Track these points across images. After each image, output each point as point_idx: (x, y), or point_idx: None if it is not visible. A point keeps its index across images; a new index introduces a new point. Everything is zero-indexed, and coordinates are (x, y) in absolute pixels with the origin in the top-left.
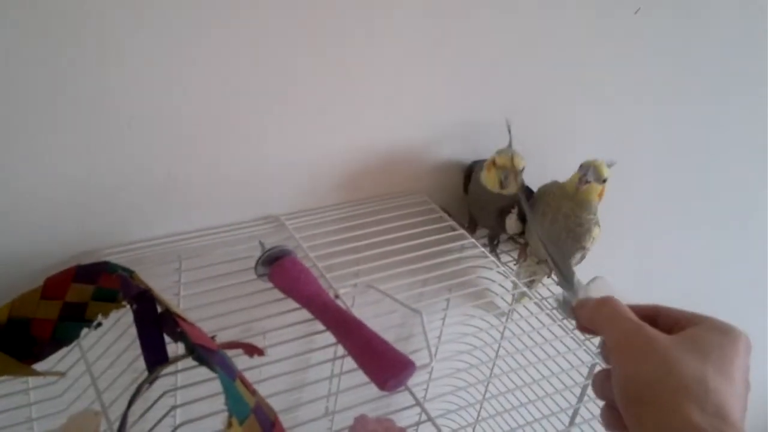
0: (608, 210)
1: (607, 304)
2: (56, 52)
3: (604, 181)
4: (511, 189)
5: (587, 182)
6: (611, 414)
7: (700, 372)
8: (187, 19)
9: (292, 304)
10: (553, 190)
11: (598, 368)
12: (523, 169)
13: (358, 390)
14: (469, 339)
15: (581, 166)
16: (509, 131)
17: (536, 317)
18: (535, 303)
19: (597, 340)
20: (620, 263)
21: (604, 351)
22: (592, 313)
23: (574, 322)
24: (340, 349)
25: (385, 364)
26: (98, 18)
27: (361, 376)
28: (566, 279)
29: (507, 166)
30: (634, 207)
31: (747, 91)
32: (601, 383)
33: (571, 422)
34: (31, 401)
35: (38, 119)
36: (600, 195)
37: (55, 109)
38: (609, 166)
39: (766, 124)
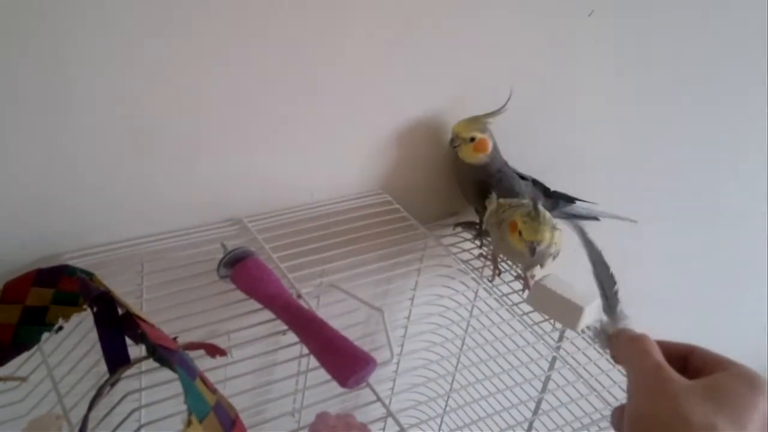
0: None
1: (637, 340)
2: (13, 55)
3: (472, 139)
4: (470, 158)
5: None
6: None
7: (710, 420)
8: (148, 22)
9: (256, 304)
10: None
11: (558, 363)
12: (473, 139)
13: (323, 387)
14: (432, 336)
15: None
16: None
17: (497, 312)
18: (495, 299)
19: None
20: None
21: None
22: (622, 347)
23: (608, 351)
24: (305, 348)
25: (345, 362)
26: (52, 18)
27: (326, 374)
28: (609, 305)
29: (459, 133)
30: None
31: (704, 89)
32: (620, 418)
33: (536, 411)
34: None
35: None
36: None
37: (12, 113)
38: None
39: (727, 120)
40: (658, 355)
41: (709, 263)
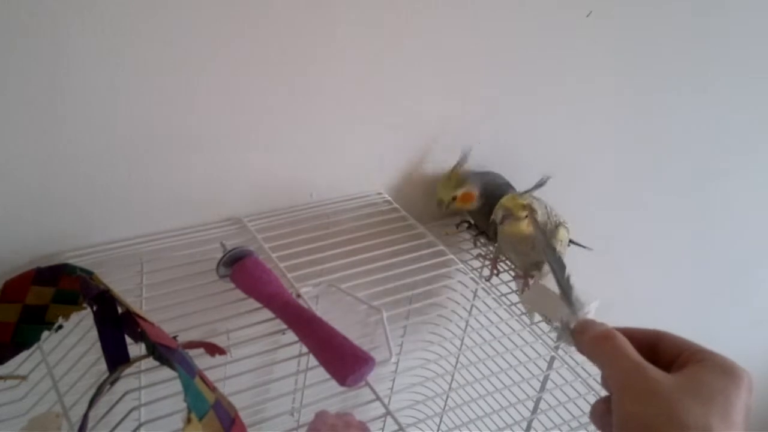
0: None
1: (608, 339)
2: (12, 54)
3: (526, 217)
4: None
5: (502, 223)
6: None
7: (704, 420)
8: (148, 21)
9: (255, 303)
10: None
11: (556, 362)
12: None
13: (322, 386)
14: (430, 336)
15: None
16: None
17: (495, 312)
18: (494, 299)
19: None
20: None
21: (604, 382)
22: (593, 346)
23: (572, 347)
24: (305, 347)
25: (344, 361)
26: (51, 17)
27: (325, 373)
28: (565, 294)
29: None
30: (596, 210)
31: (701, 89)
32: (601, 413)
33: (534, 410)
34: None
35: None
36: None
37: (11, 112)
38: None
39: (724, 119)
40: (634, 353)
41: (701, 259)
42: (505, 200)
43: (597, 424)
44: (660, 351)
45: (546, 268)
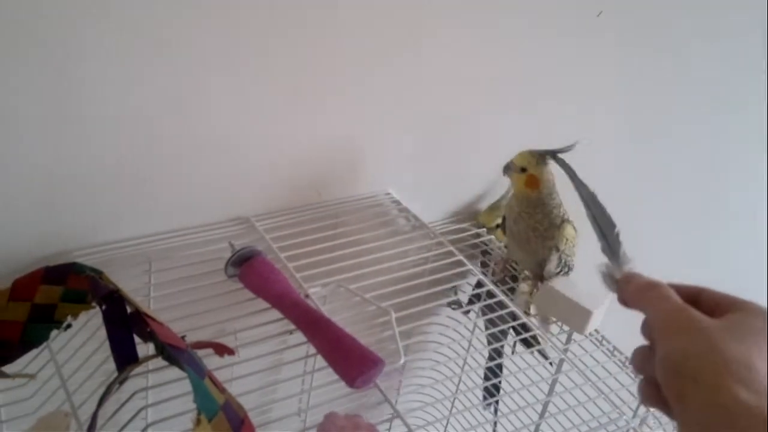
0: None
1: (653, 287)
2: (19, 55)
3: (523, 170)
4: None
5: (506, 175)
6: (649, 388)
7: (744, 354)
8: (154, 24)
9: (263, 303)
10: (510, 201)
11: (565, 365)
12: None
13: (330, 387)
14: (439, 337)
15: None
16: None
17: (504, 315)
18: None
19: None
20: None
21: (646, 329)
22: (639, 293)
23: (615, 293)
24: (313, 348)
25: (353, 362)
26: (57, 20)
27: (333, 374)
28: (611, 249)
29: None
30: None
31: (708, 91)
32: (642, 358)
33: (542, 414)
34: (0, 403)
35: (2, 121)
36: (530, 184)
37: (20, 113)
38: (559, 150)
39: (725, 121)
40: (678, 298)
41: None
42: (516, 156)
43: (637, 369)
44: (701, 303)
45: (550, 267)
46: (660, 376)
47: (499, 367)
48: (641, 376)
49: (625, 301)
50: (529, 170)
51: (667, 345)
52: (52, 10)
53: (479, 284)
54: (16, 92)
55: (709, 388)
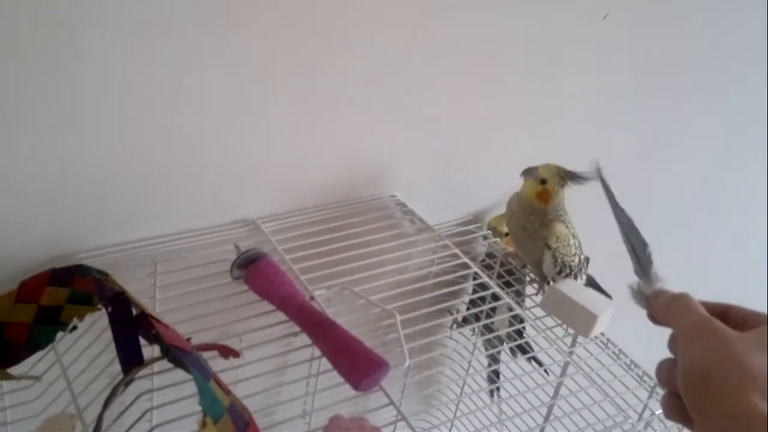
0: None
1: (680, 298)
2: (27, 57)
3: (543, 182)
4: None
5: (523, 177)
6: (673, 402)
7: (765, 365)
8: (162, 23)
9: (268, 306)
10: (513, 197)
11: (570, 368)
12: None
13: (334, 390)
14: (444, 340)
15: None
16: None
17: (509, 319)
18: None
19: (568, 340)
20: None
21: (672, 344)
22: (666, 304)
23: (646, 310)
24: (317, 350)
25: (358, 365)
26: (69, 19)
27: (338, 377)
28: (643, 268)
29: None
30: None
31: (715, 91)
32: (667, 371)
33: (547, 417)
34: (6, 405)
35: (8, 124)
36: (542, 198)
37: (26, 113)
38: (583, 177)
39: (734, 122)
40: (703, 310)
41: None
42: (543, 166)
43: (661, 381)
44: (729, 320)
45: (546, 266)
46: (681, 386)
47: (496, 373)
48: (665, 389)
49: (654, 317)
50: (548, 185)
51: (690, 355)
52: (55, 12)
53: (483, 286)
54: (21, 95)
55: (730, 398)
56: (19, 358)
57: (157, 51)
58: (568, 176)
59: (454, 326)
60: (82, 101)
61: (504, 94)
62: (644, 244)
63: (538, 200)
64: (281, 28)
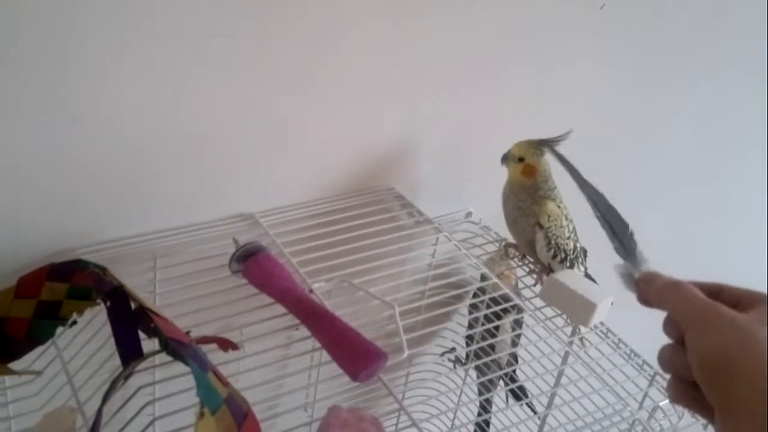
0: None
1: (678, 286)
2: (24, 55)
3: (521, 159)
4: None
5: (504, 164)
6: (681, 388)
7: None
8: (157, 19)
9: (268, 299)
10: (505, 186)
11: (570, 358)
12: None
13: (336, 381)
14: (443, 331)
15: None
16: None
17: (509, 308)
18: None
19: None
20: None
21: (669, 328)
22: (662, 292)
23: (635, 293)
24: (317, 342)
25: (356, 356)
26: (63, 17)
27: (339, 368)
28: (627, 250)
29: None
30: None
31: (715, 77)
32: (670, 357)
33: (548, 406)
34: (8, 400)
35: (5, 119)
36: (527, 173)
37: (24, 108)
38: (554, 140)
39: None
40: (703, 296)
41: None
42: (514, 146)
43: (665, 367)
44: (722, 299)
45: (539, 247)
46: (699, 373)
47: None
48: (669, 376)
49: (647, 300)
50: (527, 160)
51: (703, 341)
52: (54, 3)
53: (483, 278)
54: (20, 90)
55: (753, 377)
56: (19, 353)
57: (156, 46)
58: (540, 145)
59: (451, 359)
60: (81, 96)
61: (503, 87)
62: (624, 225)
63: (525, 176)
64: (280, 21)
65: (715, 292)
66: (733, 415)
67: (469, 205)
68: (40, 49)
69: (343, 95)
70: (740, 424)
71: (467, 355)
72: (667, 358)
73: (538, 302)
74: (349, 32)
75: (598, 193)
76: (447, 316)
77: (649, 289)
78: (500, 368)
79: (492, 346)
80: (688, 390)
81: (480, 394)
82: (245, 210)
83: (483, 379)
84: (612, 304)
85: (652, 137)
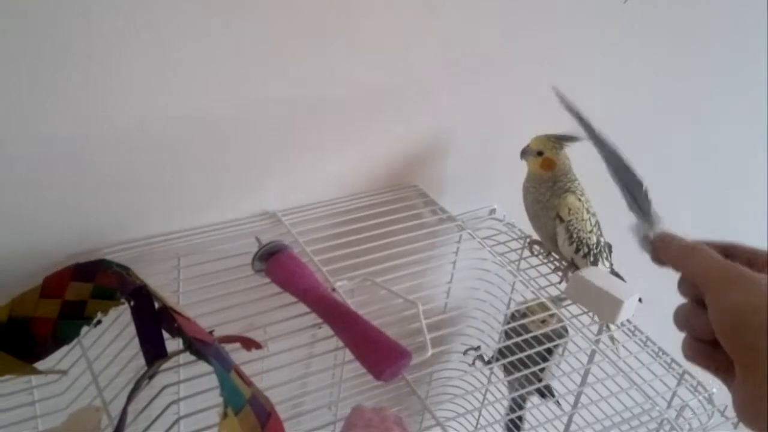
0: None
1: (696, 248)
2: (47, 52)
3: (539, 153)
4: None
5: (523, 159)
6: (696, 345)
7: None
8: (181, 17)
9: (291, 297)
10: (525, 182)
11: (597, 356)
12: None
13: (361, 379)
14: (468, 330)
15: None
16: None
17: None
18: (532, 291)
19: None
20: None
21: (685, 287)
22: (679, 254)
23: (649, 253)
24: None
25: (380, 355)
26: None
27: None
28: (641, 209)
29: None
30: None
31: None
32: (686, 316)
33: (575, 405)
34: (35, 399)
35: (31, 118)
36: (545, 166)
37: (49, 109)
38: (569, 138)
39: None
40: (721, 257)
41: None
42: (533, 141)
43: (681, 326)
44: (736, 258)
45: (561, 241)
46: (721, 331)
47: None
48: (685, 334)
49: (660, 260)
50: (546, 153)
51: (725, 300)
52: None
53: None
54: (43, 89)
55: None
56: (45, 353)
57: (179, 46)
58: (558, 139)
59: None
60: (102, 99)
61: (528, 82)
62: (639, 183)
63: (544, 169)
64: (300, 19)
65: (729, 252)
66: (756, 369)
67: (493, 201)
68: (60, 53)
69: (364, 92)
70: (763, 377)
71: (494, 355)
72: (683, 317)
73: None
74: (370, 28)
75: (612, 149)
76: (471, 315)
77: (666, 250)
78: (526, 366)
79: (519, 345)
80: (702, 348)
81: (510, 391)
82: (267, 209)
83: (512, 377)
84: (640, 301)
85: (676, 132)
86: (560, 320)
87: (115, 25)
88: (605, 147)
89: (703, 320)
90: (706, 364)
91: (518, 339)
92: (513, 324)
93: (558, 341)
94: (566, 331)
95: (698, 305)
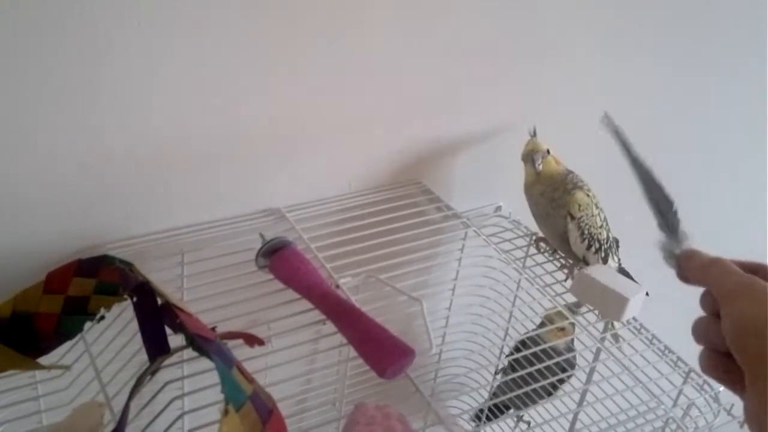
0: None
1: (718, 262)
2: (54, 53)
3: (548, 152)
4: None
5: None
6: (713, 358)
7: None
8: (184, 18)
9: (295, 294)
10: (526, 183)
11: (603, 354)
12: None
13: (365, 376)
14: (473, 327)
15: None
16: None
17: (539, 303)
18: (538, 289)
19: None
20: None
21: (706, 302)
22: (702, 269)
23: (675, 270)
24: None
25: (384, 352)
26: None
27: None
28: (670, 227)
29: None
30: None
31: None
32: (705, 329)
33: (580, 403)
34: (39, 394)
35: (36, 116)
36: (557, 160)
37: (52, 105)
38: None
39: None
40: (742, 271)
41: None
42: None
43: (698, 339)
44: (761, 276)
45: (573, 239)
46: (732, 340)
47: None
48: (702, 347)
49: (686, 277)
50: (552, 152)
51: (738, 310)
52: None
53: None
54: (48, 87)
55: None
56: (49, 348)
57: (182, 46)
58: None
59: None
60: (107, 96)
61: (533, 79)
62: (670, 203)
63: (557, 163)
64: (309, 21)
65: (754, 270)
66: (765, 378)
67: (498, 199)
68: (71, 46)
69: (368, 89)
70: None
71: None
72: (701, 330)
73: (569, 298)
74: (375, 27)
75: (647, 170)
76: (476, 313)
77: (690, 265)
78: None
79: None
80: (719, 361)
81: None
82: (272, 205)
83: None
84: (647, 294)
85: (676, 132)
86: (571, 349)
87: (118, 23)
88: (642, 168)
89: (719, 332)
90: (722, 377)
91: (531, 369)
92: (525, 352)
93: (563, 375)
94: (575, 359)
95: (717, 318)
